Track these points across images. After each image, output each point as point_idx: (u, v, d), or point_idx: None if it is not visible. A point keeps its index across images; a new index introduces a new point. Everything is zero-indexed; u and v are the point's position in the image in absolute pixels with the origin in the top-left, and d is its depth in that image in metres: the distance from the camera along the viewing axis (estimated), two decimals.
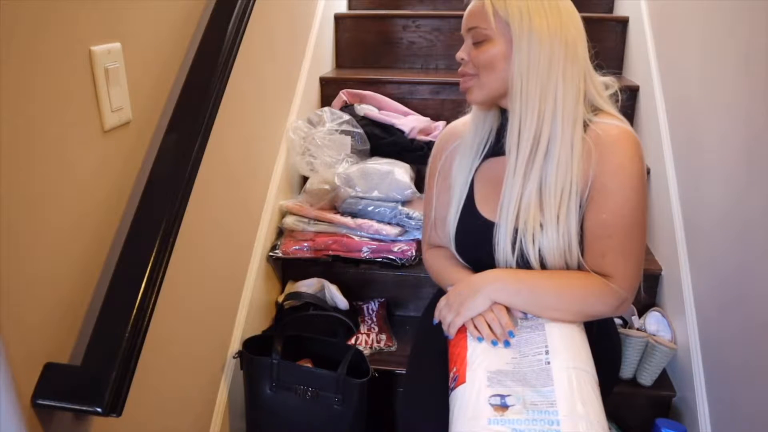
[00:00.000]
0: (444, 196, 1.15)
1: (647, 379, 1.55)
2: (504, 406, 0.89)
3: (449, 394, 0.99)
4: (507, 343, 0.97)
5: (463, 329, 1.03)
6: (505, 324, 0.98)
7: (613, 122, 1.01)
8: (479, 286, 1.02)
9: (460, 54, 1.03)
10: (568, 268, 1.02)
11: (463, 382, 0.95)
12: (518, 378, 0.92)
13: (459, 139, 1.14)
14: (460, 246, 1.12)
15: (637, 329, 1.60)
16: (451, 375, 1.00)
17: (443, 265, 1.16)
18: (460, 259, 1.14)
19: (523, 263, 1.02)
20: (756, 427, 1.19)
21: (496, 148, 1.09)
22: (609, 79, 1.06)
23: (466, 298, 1.01)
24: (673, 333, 1.59)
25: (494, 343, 0.98)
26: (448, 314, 1.03)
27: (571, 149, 0.98)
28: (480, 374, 0.94)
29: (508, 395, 0.90)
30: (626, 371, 1.56)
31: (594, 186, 0.99)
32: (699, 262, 1.50)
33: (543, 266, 1.02)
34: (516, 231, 1.01)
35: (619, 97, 1.06)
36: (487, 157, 1.11)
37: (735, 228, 1.31)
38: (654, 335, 1.56)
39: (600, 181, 0.98)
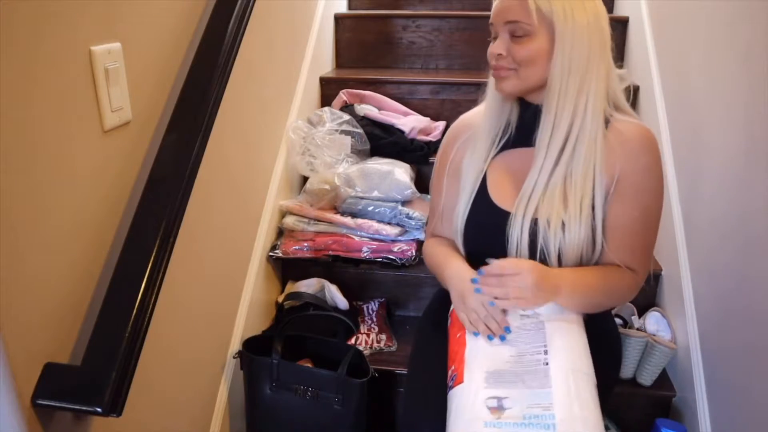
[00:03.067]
0: (454, 187, 1.14)
1: (647, 379, 1.55)
2: (501, 408, 0.89)
3: (448, 393, 0.99)
4: (503, 338, 0.98)
5: (462, 325, 1.02)
6: (500, 321, 0.98)
7: (633, 121, 1.04)
8: (558, 287, 0.97)
9: (498, 49, 1.00)
10: (582, 261, 1.03)
11: (461, 381, 0.95)
12: (516, 379, 0.92)
13: (471, 130, 1.13)
14: (470, 236, 1.10)
15: (637, 329, 1.60)
16: (450, 373, 1.00)
17: (443, 252, 1.14)
18: (462, 252, 1.13)
19: (539, 256, 1.02)
20: (756, 427, 1.19)
21: (516, 140, 1.09)
22: (624, 72, 1.08)
23: (540, 291, 0.95)
24: (673, 333, 1.59)
25: (490, 338, 0.98)
26: (500, 290, 0.96)
27: (595, 144, 1.00)
28: (478, 374, 0.94)
29: (505, 397, 0.90)
30: (626, 371, 1.56)
31: (621, 183, 1.00)
32: (699, 262, 1.50)
33: (559, 259, 1.02)
34: (534, 223, 1.01)
35: (631, 90, 1.07)
36: (504, 148, 1.10)
37: (735, 228, 1.31)
38: (654, 335, 1.56)
39: (629, 179, 1.00)
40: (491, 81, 1.07)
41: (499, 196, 1.08)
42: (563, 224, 0.99)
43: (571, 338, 0.97)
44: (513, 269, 0.96)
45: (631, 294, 1.07)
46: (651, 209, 1.03)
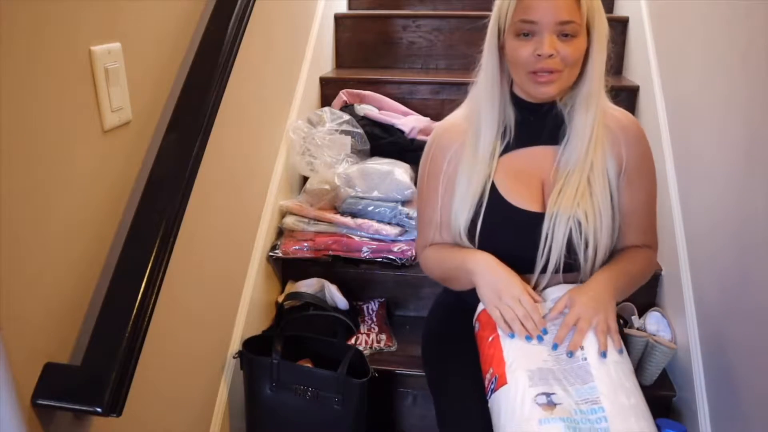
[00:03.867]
0: (451, 196, 1.10)
1: (647, 379, 1.55)
2: (551, 404, 0.89)
3: (488, 397, 0.98)
4: (540, 338, 0.98)
5: (494, 327, 1.01)
6: (537, 321, 0.98)
7: (619, 107, 1.10)
8: (607, 299, 1.01)
9: (549, 50, 0.95)
10: (606, 249, 1.06)
11: (505, 383, 0.94)
12: (559, 376, 0.93)
13: (462, 136, 1.10)
14: (491, 241, 1.07)
15: (637, 329, 1.60)
16: (488, 377, 0.99)
17: (456, 249, 1.10)
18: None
19: (575, 251, 1.03)
20: (756, 426, 1.19)
21: (518, 141, 1.08)
22: None
23: (602, 303, 1.00)
24: (673, 333, 1.59)
25: (528, 339, 0.98)
26: (603, 321, 0.99)
27: (603, 136, 1.04)
28: (521, 374, 0.94)
29: (553, 393, 0.91)
30: None
31: (628, 169, 1.06)
32: (699, 262, 1.50)
33: (596, 250, 1.04)
34: (576, 221, 1.02)
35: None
36: (504, 150, 1.09)
37: (735, 227, 1.31)
38: (654, 335, 1.56)
39: (633, 164, 1.07)
40: (483, 86, 1.05)
41: (516, 198, 1.07)
42: (600, 216, 1.03)
43: None
44: (564, 305, 1.00)
45: (653, 269, 1.15)
46: (653, 189, 1.12)
